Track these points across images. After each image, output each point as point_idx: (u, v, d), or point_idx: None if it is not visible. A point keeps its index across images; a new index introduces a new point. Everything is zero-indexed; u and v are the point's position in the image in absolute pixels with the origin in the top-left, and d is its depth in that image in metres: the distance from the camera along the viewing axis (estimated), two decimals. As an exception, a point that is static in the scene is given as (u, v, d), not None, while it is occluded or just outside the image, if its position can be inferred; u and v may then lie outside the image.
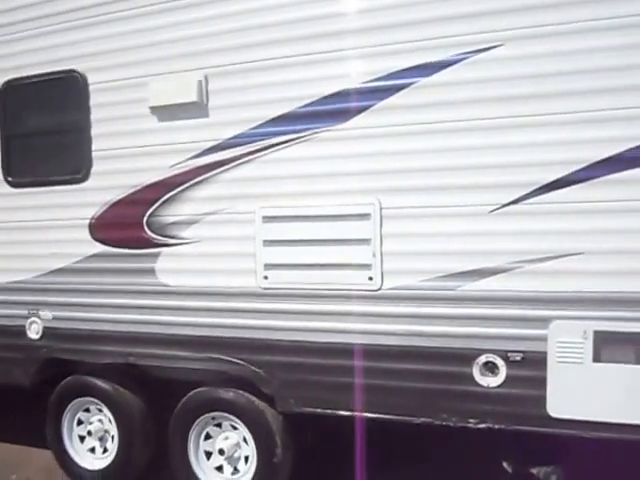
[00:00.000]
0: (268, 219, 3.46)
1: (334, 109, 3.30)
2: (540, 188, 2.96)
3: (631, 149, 2.82)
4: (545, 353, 2.97)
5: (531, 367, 2.98)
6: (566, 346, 2.93)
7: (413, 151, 3.17)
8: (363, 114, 3.24)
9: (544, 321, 2.97)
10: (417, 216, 3.18)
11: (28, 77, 4.07)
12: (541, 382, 2.97)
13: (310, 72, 3.34)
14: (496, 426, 3.10)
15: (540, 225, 2.98)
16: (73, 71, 3.91)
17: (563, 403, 2.95)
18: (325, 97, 3.31)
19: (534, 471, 3.21)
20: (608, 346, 2.87)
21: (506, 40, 3.00)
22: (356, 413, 3.35)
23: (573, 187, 2.92)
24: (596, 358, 2.89)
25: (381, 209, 3.23)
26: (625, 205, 2.85)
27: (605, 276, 2.87)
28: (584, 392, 2.93)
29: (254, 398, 3.59)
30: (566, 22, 2.92)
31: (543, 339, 2.97)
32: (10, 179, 4.16)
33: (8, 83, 4.13)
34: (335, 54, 3.30)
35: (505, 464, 3.26)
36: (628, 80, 2.82)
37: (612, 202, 2.88)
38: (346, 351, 3.31)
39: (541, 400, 2.97)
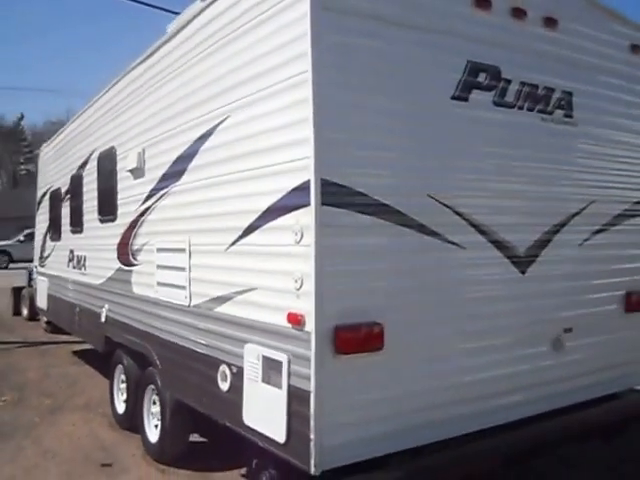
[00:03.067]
0: (158, 250, 4.45)
1: (176, 170, 4.13)
2: (243, 232, 3.32)
3: (279, 199, 3.00)
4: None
5: (240, 379, 3.34)
6: (251, 366, 3.23)
7: (195, 201, 3.86)
8: (185, 174, 4.03)
9: (244, 342, 3.28)
10: (200, 252, 3.83)
11: (104, 151, 5.78)
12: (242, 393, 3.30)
13: (168, 144, 4.23)
14: (227, 424, 3.49)
15: (241, 263, 3.36)
16: (113, 147, 5.45)
17: (249, 414, 3.24)
18: (174, 161, 4.19)
19: None
20: (268, 370, 3.08)
21: (231, 111, 3.43)
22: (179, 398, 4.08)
23: (255, 232, 3.22)
24: (263, 379, 3.11)
25: (190, 245, 3.92)
26: (277, 249, 3.04)
27: (266, 309, 3.10)
28: (258, 406, 3.17)
29: (164, 378, 4.54)
30: (250, 94, 3.24)
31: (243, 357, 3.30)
32: (99, 217, 5.92)
33: (99, 155, 5.90)
34: (173, 131, 4.17)
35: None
36: (275, 140, 3.02)
37: (271, 246, 3.09)
38: (175, 349, 4.08)
39: (242, 408, 3.29)
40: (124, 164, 5.17)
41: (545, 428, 3.49)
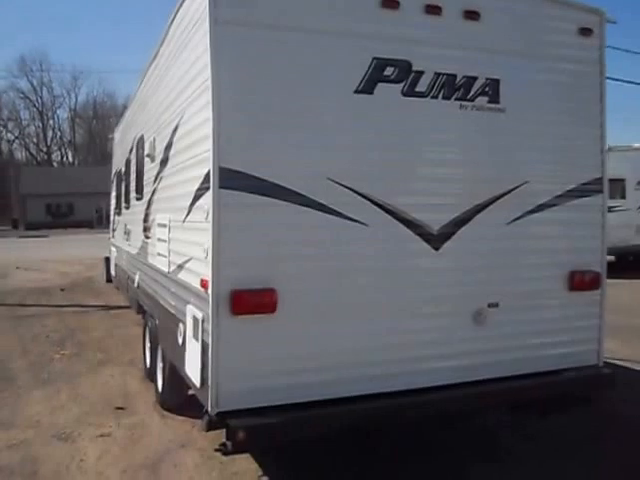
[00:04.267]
0: (158, 225, 5.32)
1: (166, 157, 5.02)
2: (187, 211, 4.08)
3: (200, 183, 3.71)
4: (190, 326, 4.07)
5: (184, 334, 4.12)
6: (189, 323, 3.98)
7: (172, 184, 4.70)
8: (169, 161, 4.87)
9: (187, 304, 4.06)
10: (173, 227, 4.68)
11: (139, 138, 6.78)
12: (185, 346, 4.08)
13: (164, 134, 5.10)
14: (181, 374, 4.28)
15: (187, 236, 4.14)
16: (142, 135, 6.42)
17: (188, 364, 4.01)
18: (164, 149, 5.04)
19: None
20: (194, 326, 3.82)
21: (185, 109, 4.19)
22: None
23: (192, 211, 3.98)
24: (193, 334, 3.87)
25: (170, 221, 4.74)
26: (198, 225, 3.77)
27: (195, 275, 3.84)
28: (191, 357, 3.92)
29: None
30: (190, 95, 3.97)
31: (189, 317, 4.08)
32: (136, 196, 6.95)
33: (137, 141, 6.91)
34: (164, 123, 5.06)
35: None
36: (198, 135, 3.75)
37: (196, 222, 3.82)
38: (163, 311, 4.95)
39: (185, 359, 4.07)
40: (145, 150, 6.10)
41: (452, 396, 3.89)
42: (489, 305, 4.10)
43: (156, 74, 5.59)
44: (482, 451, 4.63)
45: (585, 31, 4.29)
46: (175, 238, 4.58)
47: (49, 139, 72.33)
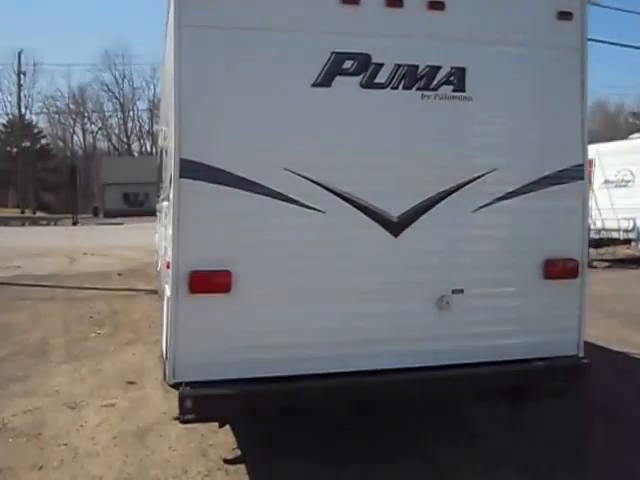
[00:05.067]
0: (163, 212, 5.74)
1: (166, 148, 5.35)
2: (168, 199, 4.43)
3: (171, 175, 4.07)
4: (169, 303, 4.46)
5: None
6: (165, 302, 4.35)
7: (165, 178, 5.01)
8: (167, 153, 5.20)
9: (166, 284, 4.43)
10: (166, 213, 5.00)
11: (161, 130, 7.21)
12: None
13: (166, 127, 5.45)
14: (165, 349, 4.69)
15: (166, 222, 4.47)
16: (163, 128, 6.88)
17: (163, 338, 4.38)
18: (165, 140, 5.41)
19: None
20: (166, 304, 4.18)
21: (170, 107, 4.54)
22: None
23: (169, 198, 4.31)
24: (165, 311, 4.23)
25: (165, 208, 5.15)
26: (169, 212, 4.13)
27: (167, 255, 4.20)
28: (164, 332, 4.29)
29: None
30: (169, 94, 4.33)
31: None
32: (161, 184, 7.42)
33: (161, 133, 7.38)
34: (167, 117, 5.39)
35: None
36: (171, 130, 4.10)
37: (168, 210, 4.19)
38: (160, 293, 5.36)
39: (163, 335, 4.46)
40: (165, 144, 6.55)
41: (409, 379, 4.06)
42: (453, 291, 4.21)
43: (163, 72, 6.01)
44: (455, 438, 4.78)
45: (564, 15, 4.29)
46: (165, 224, 4.97)
47: (129, 130, 76.07)
